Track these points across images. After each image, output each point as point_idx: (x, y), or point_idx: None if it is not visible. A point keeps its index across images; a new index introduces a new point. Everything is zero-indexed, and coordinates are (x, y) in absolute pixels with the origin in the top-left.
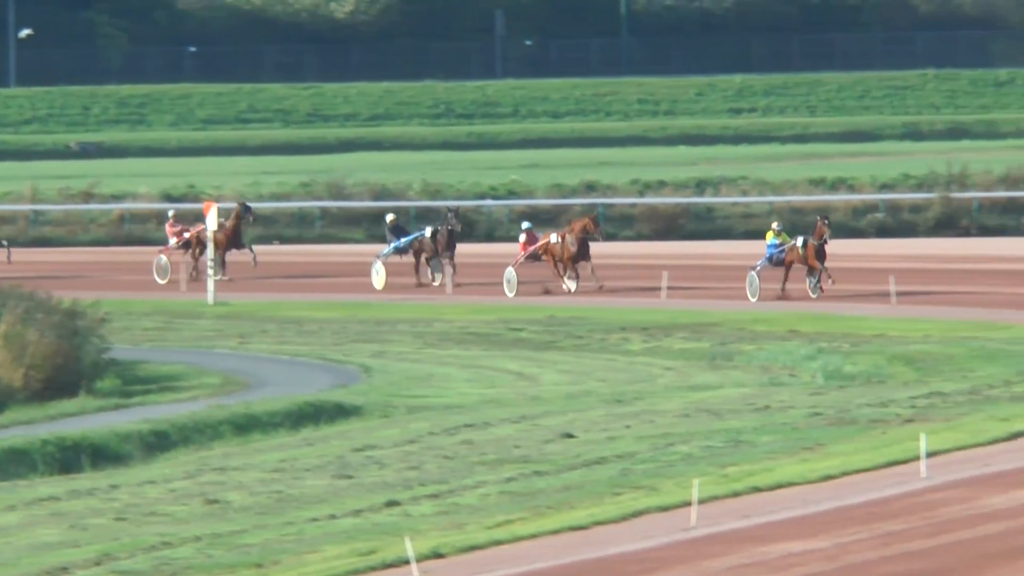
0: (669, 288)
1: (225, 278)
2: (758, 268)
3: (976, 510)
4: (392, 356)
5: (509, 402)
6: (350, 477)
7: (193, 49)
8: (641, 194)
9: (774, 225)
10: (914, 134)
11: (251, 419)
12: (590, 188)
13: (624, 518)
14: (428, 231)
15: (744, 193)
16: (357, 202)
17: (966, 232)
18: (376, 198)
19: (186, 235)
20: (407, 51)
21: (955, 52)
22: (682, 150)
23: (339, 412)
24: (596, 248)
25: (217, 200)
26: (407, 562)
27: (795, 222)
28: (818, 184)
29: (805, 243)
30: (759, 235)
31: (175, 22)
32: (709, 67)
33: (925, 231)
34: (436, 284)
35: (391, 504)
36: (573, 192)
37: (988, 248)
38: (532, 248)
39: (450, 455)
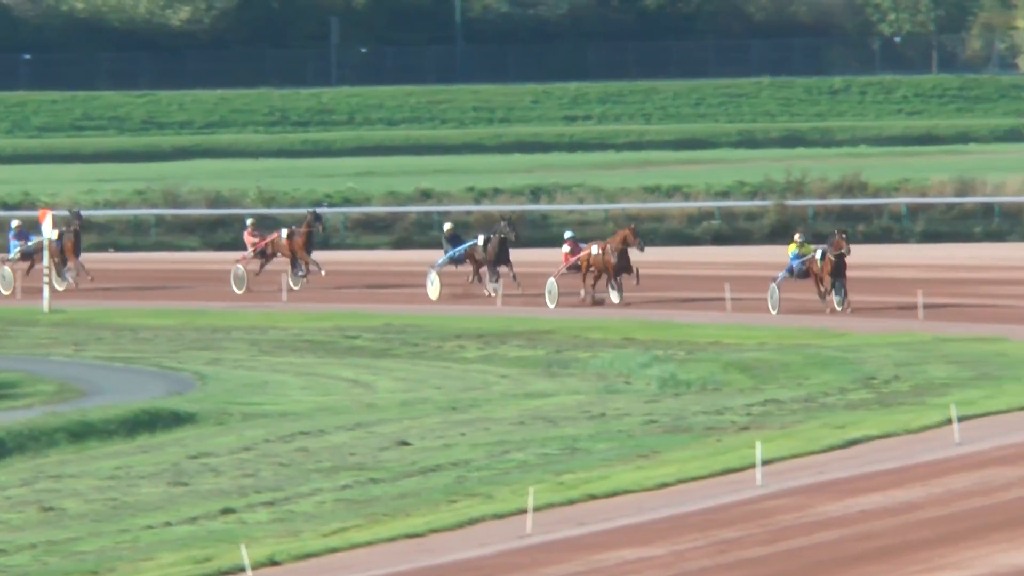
0: (505, 295)
1: (70, 286)
2: (779, 280)
3: (811, 518)
4: (227, 363)
5: (344, 409)
6: (186, 484)
7: (28, 57)
8: (477, 201)
9: (796, 236)
10: (749, 142)
11: (86, 426)
12: (425, 195)
13: (460, 525)
14: (480, 239)
15: (579, 200)
16: (192, 210)
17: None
18: (211, 205)
19: (248, 242)
20: (242, 59)
21: (790, 60)
22: (517, 157)
23: (175, 419)
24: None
25: (52, 208)
26: (243, 570)
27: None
28: (653, 191)
29: (823, 256)
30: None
31: (9, 29)
32: (544, 75)
33: (760, 239)
34: (493, 295)
35: (227, 511)
36: (409, 199)
37: None
38: (574, 259)
39: (286, 462)
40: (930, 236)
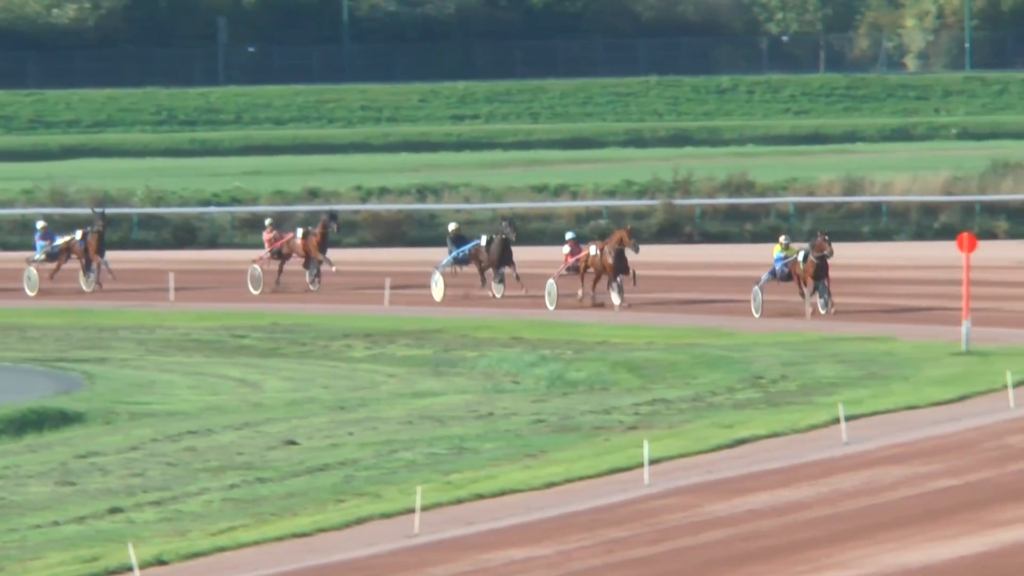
0: (392, 293)
1: (96, 287)
2: (762, 283)
3: (699, 517)
4: (115, 363)
5: (232, 409)
6: (73, 484)
7: None
8: (364, 201)
9: (781, 239)
10: (637, 141)
11: None
12: (313, 195)
13: (347, 525)
14: (483, 240)
15: (467, 200)
16: (80, 209)
17: (689, 239)
18: (99, 205)
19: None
20: (130, 58)
21: (677, 59)
22: (404, 156)
23: (62, 419)
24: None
25: None
26: (130, 569)
27: (518, 228)
28: (541, 191)
29: (806, 257)
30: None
31: None
32: (431, 74)
33: (648, 238)
34: (497, 296)
35: (114, 511)
36: (296, 199)
37: (711, 255)
38: (573, 260)
39: (173, 462)
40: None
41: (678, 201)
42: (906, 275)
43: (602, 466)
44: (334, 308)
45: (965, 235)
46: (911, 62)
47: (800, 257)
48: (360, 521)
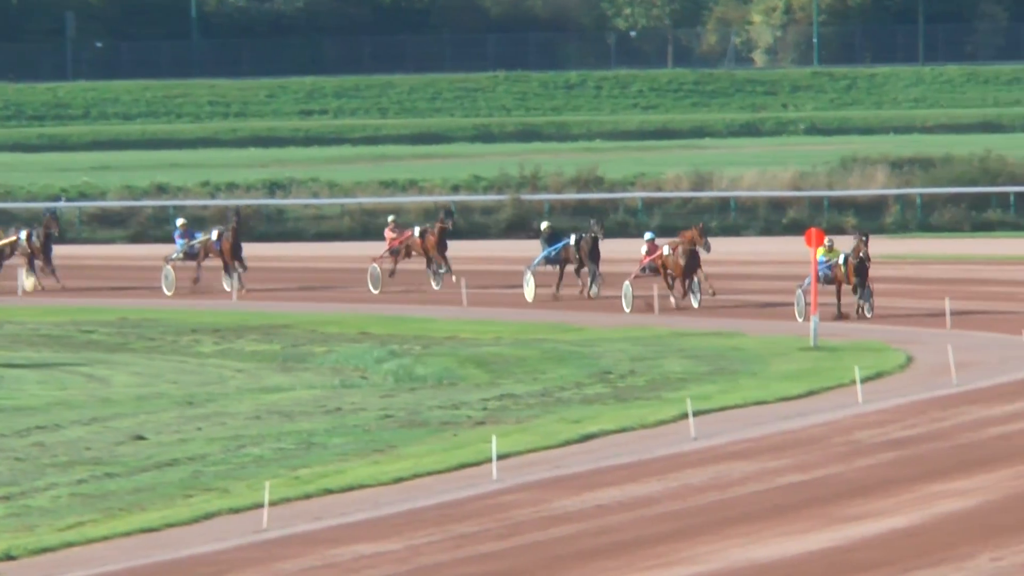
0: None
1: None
2: (805, 286)
3: (547, 512)
4: None
5: (80, 404)
6: None
7: None
8: (212, 196)
9: (825, 241)
10: (485, 136)
11: None
12: (161, 190)
13: (196, 520)
14: (572, 239)
15: (315, 195)
16: None
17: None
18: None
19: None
20: None
21: (525, 54)
22: (253, 152)
23: None
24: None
25: None
26: None
27: (366, 224)
28: (389, 186)
29: (846, 260)
30: (331, 236)
31: None
32: (280, 69)
33: (497, 233)
34: (592, 295)
35: None
36: (144, 194)
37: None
38: (648, 260)
39: (21, 457)
40: (665, 230)
41: (526, 196)
42: (754, 270)
43: (450, 461)
44: (182, 303)
45: (813, 230)
46: (759, 57)
47: (840, 260)
48: (208, 516)
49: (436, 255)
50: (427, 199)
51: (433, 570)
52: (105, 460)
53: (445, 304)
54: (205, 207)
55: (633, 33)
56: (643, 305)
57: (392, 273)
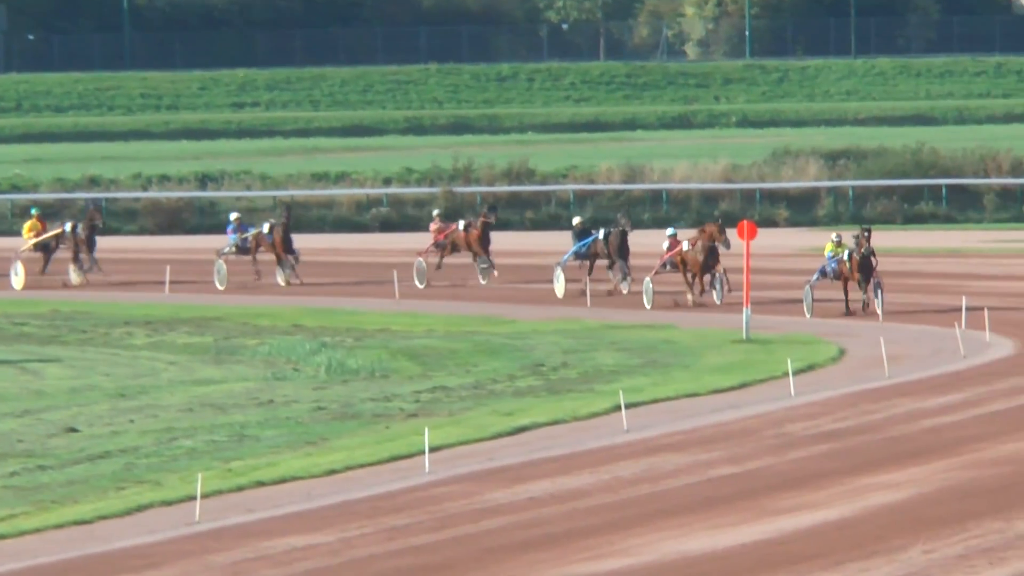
0: (172, 282)
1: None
2: (813, 282)
3: (479, 504)
4: None
5: (12, 396)
6: None
7: None
8: (144, 188)
9: (833, 236)
10: (417, 128)
11: None
12: (93, 182)
13: (128, 512)
14: (601, 233)
15: (247, 187)
16: None
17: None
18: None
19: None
20: None
21: (457, 47)
22: (185, 144)
23: None
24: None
25: None
26: None
27: (298, 216)
28: (321, 178)
29: (850, 256)
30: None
31: None
32: (212, 62)
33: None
34: (624, 291)
35: None
36: (76, 186)
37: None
38: (668, 255)
39: None
40: (598, 223)
41: (458, 189)
42: None
43: (383, 453)
44: (114, 296)
45: (745, 223)
46: (691, 50)
47: (845, 256)
48: (141, 508)
49: (479, 249)
50: (359, 191)
51: (365, 562)
52: (37, 452)
53: (375, 296)
54: (137, 199)
55: (565, 26)
56: (666, 302)
57: (438, 267)
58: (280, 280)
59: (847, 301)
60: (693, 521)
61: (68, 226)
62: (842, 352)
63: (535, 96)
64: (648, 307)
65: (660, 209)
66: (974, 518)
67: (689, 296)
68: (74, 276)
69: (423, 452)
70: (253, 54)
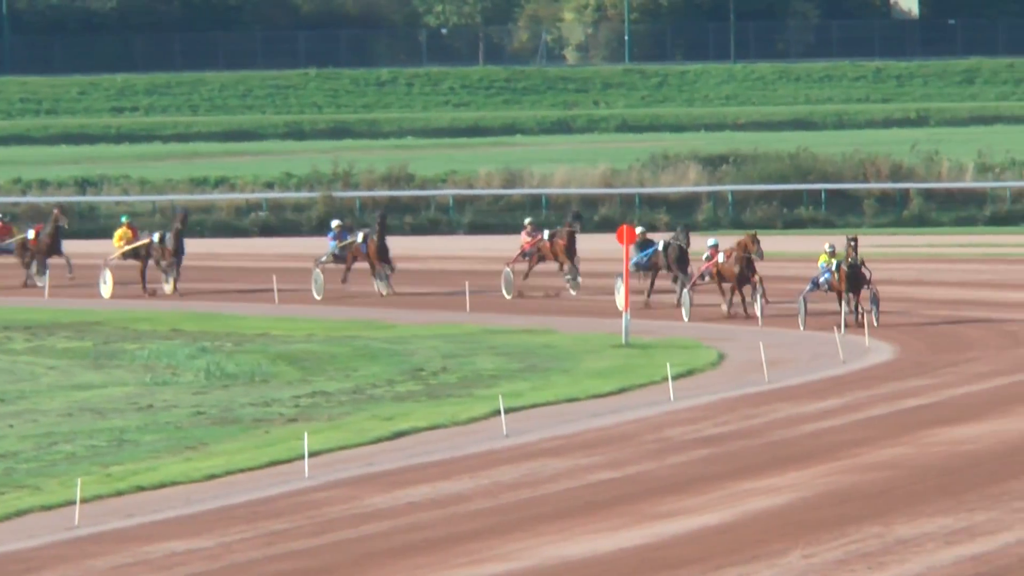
0: (52, 287)
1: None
2: (806, 292)
3: (359, 509)
4: None
5: None
6: None
7: None
8: (24, 193)
9: (826, 247)
10: (296, 133)
11: None
12: None
13: (7, 518)
14: (660, 245)
15: (126, 192)
16: None
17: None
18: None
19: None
20: None
21: (337, 51)
22: (64, 149)
23: None
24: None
25: None
26: None
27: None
28: (201, 183)
29: (839, 267)
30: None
31: None
32: (91, 66)
33: (308, 230)
34: (685, 314)
35: None
36: None
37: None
38: (705, 267)
39: None
40: (477, 227)
41: (338, 193)
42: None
43: (262, 458)
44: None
45: (625, 227)
46: (570, 55)
47: (834, 267)
48: (20, 513)
49: (564, 259)
50: (239, 196)
51: (245, 567)
52: None
53: (255, 301)
54: (16, 204)
55: (444, 30)
56: (707, 314)
57: (526, 276)
58: (381, 290)
59: (842, 313)
60: (573, 526)
61: (156, 236)
62: (722, 357)
63: (414, 100)
64: (686, 320)
65: (540, 214)
66: (853, 523)
67: (724, 307)
68: (167, 286)
69: (303, 457)
70: (132, 58)
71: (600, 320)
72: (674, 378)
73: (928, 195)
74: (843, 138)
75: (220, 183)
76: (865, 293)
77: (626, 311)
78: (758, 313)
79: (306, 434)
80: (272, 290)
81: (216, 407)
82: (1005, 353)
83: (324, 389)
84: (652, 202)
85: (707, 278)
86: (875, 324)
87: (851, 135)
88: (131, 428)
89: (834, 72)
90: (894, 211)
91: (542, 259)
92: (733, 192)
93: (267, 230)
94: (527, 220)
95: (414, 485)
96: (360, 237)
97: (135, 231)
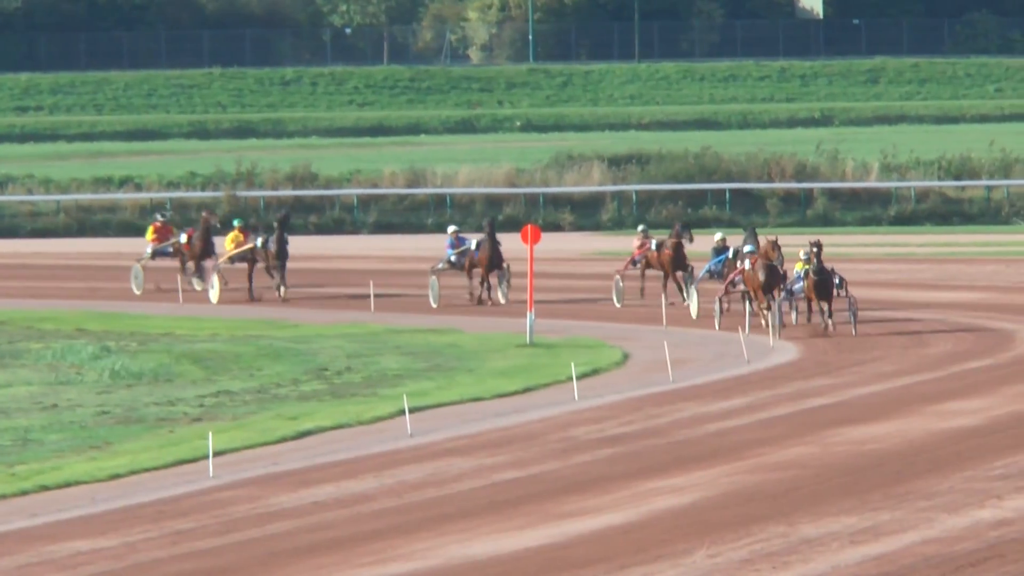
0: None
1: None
2: (780, 300)
3: (264, 508)
4: None
5: None
6: None
7: None
8: None
9: (801, 253)
10: (201, 132)
11: None
12: None
13: None
14: (731, 252)
15: (30, 191)
16: None
17: (254, 231)
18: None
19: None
20: None
21: (241, 51)
22: None
23: None
24: None
25: None
26: None
27: (82, 221)
28: (105, 183)
29: (807, 274)
30: (46, 233)
31: None
32: None
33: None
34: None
35: None
36: None
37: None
38: (735, 274)
39: None
40: (382, 227)
41: (242, 193)
42: None
43: (167, 458)
44: None
45: (529, 227)
46: (475, 54)
47: (803, 274)
48: None
49: (668, 270)
50: (143, 196)
51: (150, 567)
52: None
53: (159, 301)
54: None
55: (349, 30)
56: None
57: (642, 292)
58: (500, 298)
59: (823, 319)
60: (478, 525)
61: (259, 240)
62: (626, 356)
63: (319, 100)
64: (717, 329)
65: (444, 214)
66: (758, 522)
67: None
68: (281, 291)
69: (207, 456)
70: (37, 57)
71: (504, 320)
72: (579, 377)
73: (832, 195)
74: (747, 138)
75: (125, 182)
76: (842, 301)
77: (531, 311)
78: (774, 323)
79: (211, 433)
80: (177, 290)
81: (120, 406)
82: (909, 353)
83: (229, 388)
84: (557, 202)
85: (736, 285)
86: (853, 333)
87: (755, 135)
88: (35, 427)
89: (738, 72)
90: (798, 211)
91: (649, 267)
92: (637, 192)
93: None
94: (640, 227)
95: (319, 484)
96: (473, 244)
97: (247, 234)
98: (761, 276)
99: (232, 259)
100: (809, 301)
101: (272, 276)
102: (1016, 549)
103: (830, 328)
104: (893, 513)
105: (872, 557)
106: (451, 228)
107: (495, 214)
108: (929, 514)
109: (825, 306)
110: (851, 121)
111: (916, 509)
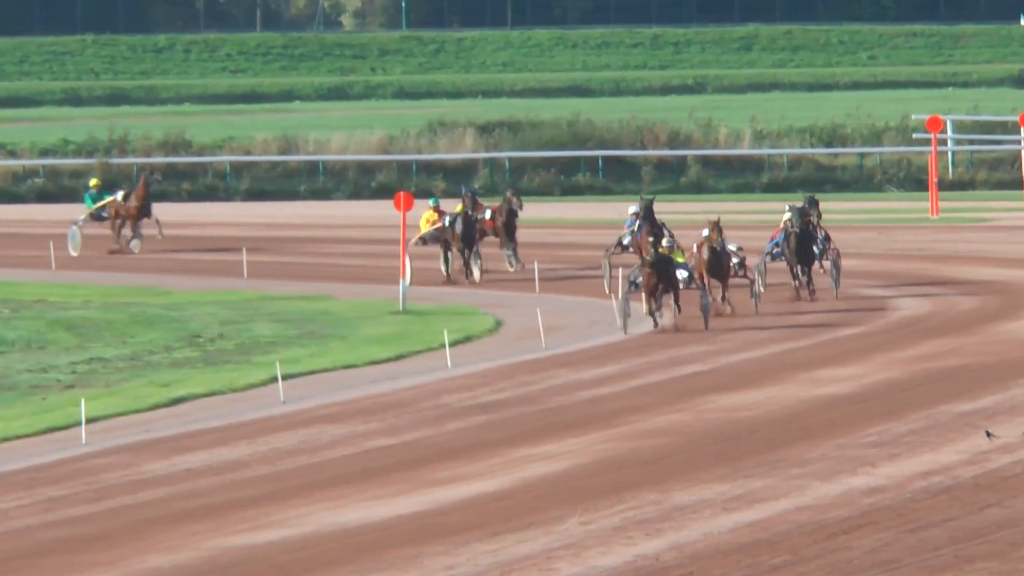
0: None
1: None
2: (760, 264)
3: (137, 476)
4: None
5: None
6: None
7: None
8: None
9: (786, 216)
10: (73, 100)
11: None
12: None
13: None
14: (780, 236)
15: None
16: None
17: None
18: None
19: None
20: None
21: (114, 17)
22: None
23: None
24: None
25: None
26: None
27: None
28: None
29: (786, 237)
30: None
31: None
32: None
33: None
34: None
35: None
36: None
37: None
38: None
39: None
40: (255, 194)
41: (115, 160)
42: (342, 234)
43: (39, 425)
44: None
45: (402, 194)
46: (347, 21)
47: (781, 237)
48: None
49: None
50: (15, 163)
51: (22, 533)
52: None
53: (32, 268)
54: None
55: None
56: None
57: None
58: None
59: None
60: (350, 492)
61: (447, 219)
62: (499, 323)
63: (191, 67)
64: (756, 313)
65: (317, 180)
66: (630, 489)
67: (796, 287)
68: (476, 273)
69: (79, 423)
70: None
71: (377, 287)
72: (451, 345)
73: (705, 162)
74: (620, 105)
75: None
76: (826, 263)
77: (403, 277)
78: (726, 311)
79: (83, 400)
80: (49, 256)
81: None
82: (782, 320)
83: (101, 355)
84: (429, 169)
85: (770, 258)
86: (835, 297)
87: (628, 102)
88: None
89: (611, 39)
90: (672, 178)
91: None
92: (510, 159)
93: (44, 196)
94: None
95: (191, 451)
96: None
97: (442, 214)
98: (705, 257)
99: (424, 240)
100: (791, 265)
101: (461, 254)
102: (889, 516)
103: (804, 292)
104: (766, 480)
105: (745, 524)
106: (632, 209)
107: (368, 180)
108: (802, 481)
109: (805, 268)
110: (724, 88)
111: (789, 476)
